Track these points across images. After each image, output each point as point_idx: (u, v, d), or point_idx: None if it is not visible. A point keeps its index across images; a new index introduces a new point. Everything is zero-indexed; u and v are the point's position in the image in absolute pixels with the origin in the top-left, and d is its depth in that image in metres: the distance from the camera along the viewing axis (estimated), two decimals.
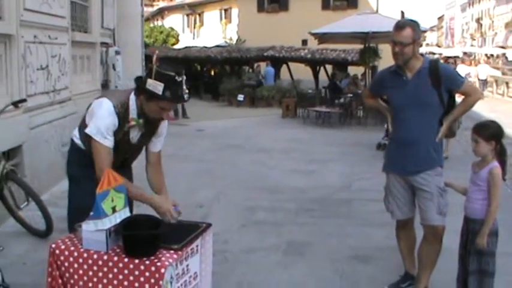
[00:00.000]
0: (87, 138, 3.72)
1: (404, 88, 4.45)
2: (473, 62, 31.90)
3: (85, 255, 3.20)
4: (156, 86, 3.46)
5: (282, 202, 7.81)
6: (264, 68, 24.80)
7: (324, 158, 11.19)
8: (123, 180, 3.36)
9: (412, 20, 4.52)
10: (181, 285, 3.34)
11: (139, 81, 3.63)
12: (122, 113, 3.64)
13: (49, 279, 3.33)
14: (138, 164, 4.16)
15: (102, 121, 3.57)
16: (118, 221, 3.24)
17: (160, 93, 3.46)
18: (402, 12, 30.92)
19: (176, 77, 3.49)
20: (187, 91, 3.62)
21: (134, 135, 3.82)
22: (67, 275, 3.25)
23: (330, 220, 6.97)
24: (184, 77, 3.58)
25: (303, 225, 6.77)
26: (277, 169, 10.10)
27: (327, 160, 11.01)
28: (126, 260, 3.11)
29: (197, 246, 3.57)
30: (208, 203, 7.64)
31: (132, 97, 3.70)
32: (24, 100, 6.58)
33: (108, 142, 3.59)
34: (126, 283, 3.11)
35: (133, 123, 3.71)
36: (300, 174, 9.70)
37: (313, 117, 17.45)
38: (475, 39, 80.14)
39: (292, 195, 8.21)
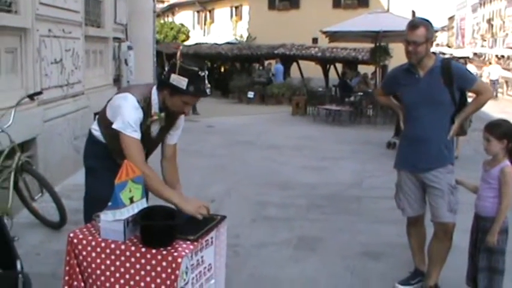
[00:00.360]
0: (108, 131, 3.77)
1: (416, 86, 4.49)
2: (484, 62, 31.82)
3: (103, 244, 3.24)
4: (180, 81, 3.51)
5: (293, 198, 7.86)
6: (274, 65, 24.84)
7: (334, 156, 11.24)
8: (140, 172, 3.40)
9: (425, 19, 4.55)
10: (196, 275, 3.38)
11: (163, 77, 3.68)
12: (145, 108, 3.70)
13: (66, 268, 3.37)
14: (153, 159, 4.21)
15: (129, 115, 3.61)
16: (135, 211, 3.28)
17: (184, 87, 3.51)
18: (413, 12, 30.89)
19: (199, 72, 3.54)
20: (209, 85, 3.69)
21: (155, 129, 3.88)
22: (85, 263, 3.29)
23: (341, 216, 7.02)
24: (207, 72, 3.64)
25: (314, 221, 6.82)
26: (288, 165, 10.16)
27: (338, 157, 11.05)
28: (143, 249, 3.15)
29: (212, 238, 3.60)
30: (219, 197, 7.70)
31: (154, 92, 3.74)
32: (40, 93, 6.65)
33: (138, 135, 3.64)
34: (143, 272, 3.15)
35: (155, 117, 3.77)
36: (311, 170, 9.76)
37: (323, 115, 17.50)
38: (485, 40, 79.62)
39: (303, 191, 8.26)
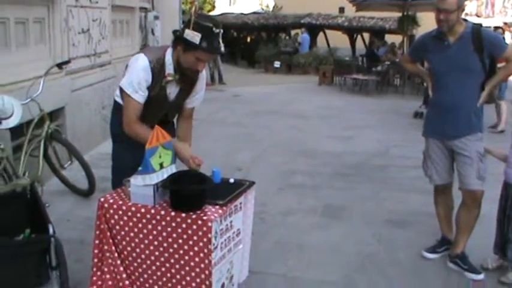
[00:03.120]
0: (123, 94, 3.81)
1: (446, 53, 4.43)
2: None
3: (133, 209, 3.31)
4: (193, 36, 3.50)
5: (318, 166, 7.88)
6: (300, 35, 24.66)
7: (360, 125, 11.21)
8: (170, 137, 3.44)
9: None
10: (225, 240, 3.44)
11: (177, 32, 3.68)
12: (158, 69, 3.70)
13: (97, 232, 3.45)
14: None
15: (135, 75, 3.65)
16: (165, 176, 3.34)
17: (197, 42, 3.50)
18: None
19: (214, 28, 3.52)
20: (222, 44, 3.69)
21: (172, 91, 3.88)
22: (117, 227, 3.37)
23: (366, 185, 7.03)
24: (222, 30, 3.63)
25: (340, 189, 6.85)
26: (314, 134, 10.17)
27: (364, 127, 11.02)
28: (172, 213, 3.21)
29: (241, 203, 3.65)
30: (246, 166, 7.74)
31: (169, 52, 3.74)
32: (68, 61, 6.68)
33: (138, 97, 3.67)
34: (174, 235, 3.22)
35: (169, 78, 3.77)
36: (337, 139, 9.75)
37: (350, 85, 17.39)
38: None
39: (328, 159, 8.28)
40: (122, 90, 3.77)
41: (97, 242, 3.46)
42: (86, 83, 8.08)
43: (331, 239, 5.30)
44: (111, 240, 3.42)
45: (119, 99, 3.98)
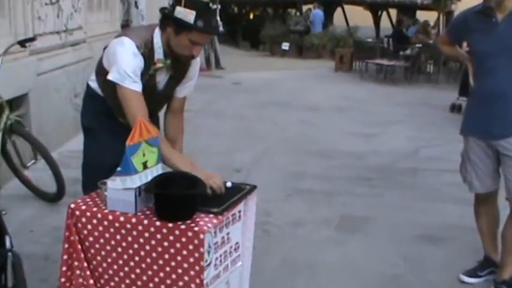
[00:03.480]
0: (106, 85, 3.75)
1: (492, 32, 4.38)
2: None
3: (110, 217, 3.25)
4: (186, 15, 3.44)
5: (335, 169, 7.89)
6: (312, 11, 24.64)
7: (385, 120, 11.24)
8: (157, 132, 3.40)
9: None
10: (221, 256, 3.39)
11: (166, 10, 3.61)
12: (147, 53, 3.65)
13: (66, 246, 3.39)
14: None
15: (127, 64, 3.57)
16: (149, 178, 3.28)
17: (191, 22, 3.45)
18: None
19: (210, 4, 3.49)
20: (220, 23, 3.64)
21: (161, 80, 3.84)
22: (90, 239, 3.33)
23: (393, 192, 7.02)
24: (219, 6, 3.59)
25: (360, 196, 6.85)
26: (330, 131, 10.22)
27: (389, 122, 11.06)
28: (157, 223, 3.16)
29: (240, 211, 3.61)
30: (246, 167, 7.75)
31: (157, 33, 3.69)
32: (32, 39, 6.64)
33: (138, 86, 3.60)
34: (160, 249, 3.17)
35: (159, 64, 3.72)
36: (357, 137, 9.78)
37: (372, 72, 17.41)
38: None
39: (347, 161, 8.29)
40: (105, 81, 3.70)
41: (65, 257, 3.40)
42: (55, 65, 8.07)
43: (348, 257, 5.27)
44: (82, 255, 3.36)
45: (95, 85, 3.95)
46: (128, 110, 3.59)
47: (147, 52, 3.64)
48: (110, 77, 3.61)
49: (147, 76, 3.71)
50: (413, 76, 16.82)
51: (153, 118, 3.97)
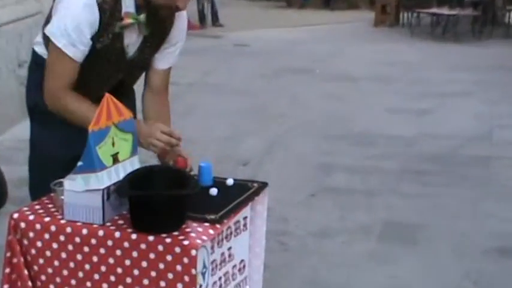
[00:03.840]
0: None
1: None
2: None
3: (68, 229, 3.07)
4: None
5: (375, 159, 7.81)
6: None
7: (444, 91, 11.16)
8: (130, 114, 3.20)
9: None
10: (221, 279, 3.25)
11: None
12: (109, 4, 3.43)
13: (7, 270, 3.23)
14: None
15: (72, 17, 3.37)
16: (121, 176, 3.11)
17: None
18: None
19: None
20: None
21: (132, 42, 3.63)
22: (40, 261, 3.15)
23: (456, 190, 6.87)
24: None
25: (411, 196, 6.72)
26: (368, 108, 10.18)
27: (450, 94, 10.98)
28: (133, 236, 2.98)
29: (245, 219, 3.46)
30: (256, 158, 7.68)
31: None
32: None
33: (75, 52, 3.40)
34: (136, 272, 2.99)
35: (128, 20, 3.50)
36: (405, 115, 9.74)
37: (426, 26, 17.52)
38: None
39: (392, 148, 8.23)
40: (46, 38, 3.51)
41: (6, 286, 3.24)
42: None
43: (396, 278, 5.13)
44: (30, 284, 3.17)
45: (41, 49, 3.73)
46: (46, 75, 3.47)
47: (108, 2, 3.41)
48: (45, 29, 3.50)
49: (110, 35, 3.49)
50: (485, 29, 16.62)
51: (125, 98, 3.71)
